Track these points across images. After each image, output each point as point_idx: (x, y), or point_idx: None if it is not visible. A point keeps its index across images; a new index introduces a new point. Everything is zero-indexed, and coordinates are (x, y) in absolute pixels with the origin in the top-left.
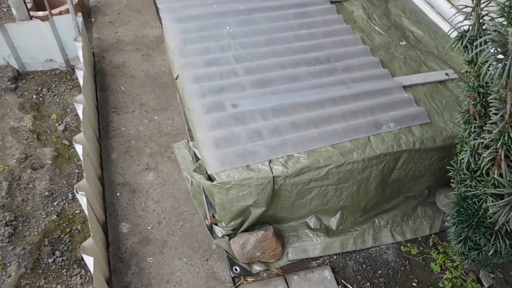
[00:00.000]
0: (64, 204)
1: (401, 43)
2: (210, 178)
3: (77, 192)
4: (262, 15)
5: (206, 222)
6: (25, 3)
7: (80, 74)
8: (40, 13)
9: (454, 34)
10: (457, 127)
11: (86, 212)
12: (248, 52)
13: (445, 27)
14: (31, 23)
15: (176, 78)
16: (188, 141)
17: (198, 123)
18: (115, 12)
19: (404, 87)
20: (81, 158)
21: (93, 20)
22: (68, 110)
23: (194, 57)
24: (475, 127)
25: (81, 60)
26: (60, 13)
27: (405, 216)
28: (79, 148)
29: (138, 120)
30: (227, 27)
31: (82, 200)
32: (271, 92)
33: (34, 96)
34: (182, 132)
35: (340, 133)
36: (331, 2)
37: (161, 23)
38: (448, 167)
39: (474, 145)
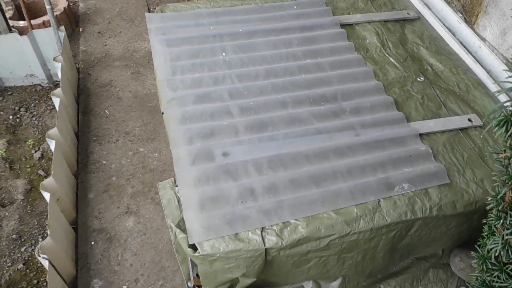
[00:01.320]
0: (32, 250)
1: (418, 79)
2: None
3: (39, 256)
4: (263, 40)
5: (189, 284)
6: (3, 14)
7: (56, 102)
8: (22, 23)
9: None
10: (481, 188)
11: (48, 280)
12: (245, 86)
13: (468, 60)
14: (9, 37)
15: (162, 113)
16: (174, 181)
17: (182, 176)
18: (106, 21)
19: (421, 135)
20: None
21: (80, 29)
22: None
23: (183, 90)
24: (511, 219)
25: (60, 83)
26: (43, 23)
27: (415, 281)
28: (47, 196)
29: (121, 152)
30: (223, 53)
31: (45, 263)
32: (268, 138)
33: (11, 117)
34: (169, 168)
35: (346, 195)
36: (341, 26)
37: None
38: (471, 250)
39: (507, 239)
